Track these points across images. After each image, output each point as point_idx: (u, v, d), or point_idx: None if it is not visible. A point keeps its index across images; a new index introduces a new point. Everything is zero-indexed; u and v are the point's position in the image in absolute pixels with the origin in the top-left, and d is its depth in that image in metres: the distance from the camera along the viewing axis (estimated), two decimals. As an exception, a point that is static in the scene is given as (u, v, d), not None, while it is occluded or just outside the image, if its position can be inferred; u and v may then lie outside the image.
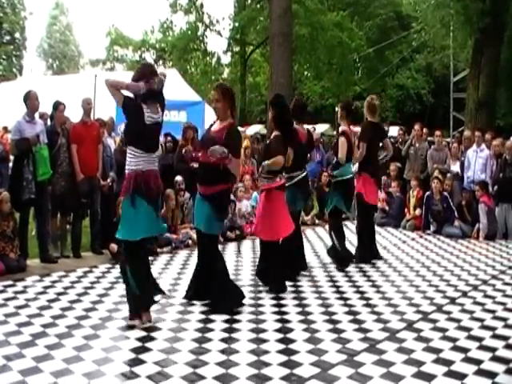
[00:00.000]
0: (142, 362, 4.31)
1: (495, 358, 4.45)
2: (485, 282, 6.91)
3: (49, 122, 8.74)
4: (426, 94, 32.30)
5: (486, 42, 16.29)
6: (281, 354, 4.46)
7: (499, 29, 16.46)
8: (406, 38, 29.57)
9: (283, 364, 4.27)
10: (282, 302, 5.92)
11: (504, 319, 5.44)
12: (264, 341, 4.74)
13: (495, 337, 4.95)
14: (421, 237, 10.20)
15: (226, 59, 32.52)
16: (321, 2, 26.14)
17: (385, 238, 9.94)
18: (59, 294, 6.21)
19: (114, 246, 8.02)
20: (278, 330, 5.02)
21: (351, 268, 7.50)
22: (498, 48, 16.60)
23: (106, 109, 12.69)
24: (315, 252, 8.67)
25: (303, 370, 4.16)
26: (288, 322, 5.26)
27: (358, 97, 29.61)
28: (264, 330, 5.00)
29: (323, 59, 25.75)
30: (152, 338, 4.83)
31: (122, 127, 9.81)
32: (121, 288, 6.46)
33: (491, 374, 4.14)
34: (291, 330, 5.05)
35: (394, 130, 17.54)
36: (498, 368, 4.25)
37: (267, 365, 4.24)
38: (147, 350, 4.56)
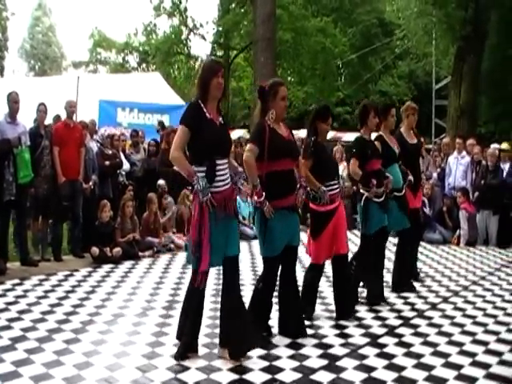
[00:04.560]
0: (122, 366, 4.28)
1: (475, 363, 4.49)
2: (465, 288, 6.97)
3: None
4: (408, 100, 32.48)
5: (468, 50, 16.47)
6: (262, 360, 4.45)
7: (481, 37, 16.66)
8: (389, 45, 29.78)
9: (263, 369, 4.27)
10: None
11: (484, 325, 5.49)
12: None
13: (475, 342, 4.99)
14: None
15: (210, 63, 32.50)
16: (305, 7, 26.23)
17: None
18: (40, 297, 6.16)
19: (95, 250, 7.99)
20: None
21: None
22: (479, 56, 16.78)
23: (89, 111, 12.67)
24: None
25: (285, 376, 4.16)
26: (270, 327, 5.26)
27: (340, 103, 29.79)
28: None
29: (307, 64, 25.82)
30: (132, 343, 4.81)
31: (103, 130, 9.78)
32: (102, 292, 6.43)
33: (471, 379, 4.17)
34: (272, 336, 5.04)
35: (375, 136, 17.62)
36: (478, 373, 4.28)
37: (249, 370, 4.23)
38: (127, 354, 4.54)
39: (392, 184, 6.18)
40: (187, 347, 4.46)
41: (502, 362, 4.52)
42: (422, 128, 26.61)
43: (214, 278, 7.16)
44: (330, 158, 5.65)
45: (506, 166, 10.39)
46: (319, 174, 5.36)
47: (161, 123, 12.98)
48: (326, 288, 6.75)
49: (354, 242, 9.24)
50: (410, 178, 6.68)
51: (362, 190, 6.06)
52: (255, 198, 4.71)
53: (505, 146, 11.58)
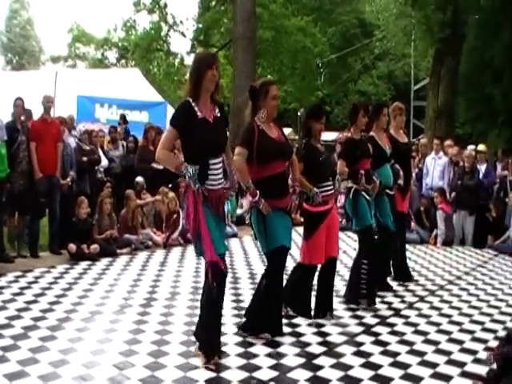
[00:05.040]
0: (98, 364, 4.26)
1: (451, 362, 4.54)
2: (441, 287, 7.04)
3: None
4: (387, 100, 32.74)
5: (446, 52, 16.63)
6: (239, 358, 4.45)
7: (459, 40, 16.83)
8: (369, 46, 29.95)
9: (241, 367, 4.27)
10: (241, 302, 5.93)
11: (459, 323, 5.55)
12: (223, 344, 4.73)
13: (451, 341, 5.05)
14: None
15: (189, 60, 32.38)
16: (285, 6, 26.24)
17: (345, 242, 10.02)
18: (15, 294, 6.09)
19: (72, 247, 7.92)
20: (237, 334, 5.01)
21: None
22: (457, 58, 16.95)
23: (67, 107, 12.56)
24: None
25: (262, 374, 4.17)
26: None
27: (320, 102, 29.87)
28: (223, 334, 4.98)
29: (286, 63, 25.84)
30: (109, 340, 4.78)
31: (82, 126, 9.70)
32: (79, 289, 6.39)
33: (446, 377, 4.22)
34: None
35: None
36: (453, 371, 4.34)
37: (226, 368, 4.23)
38: (104, 352, 4.51)
39: (382, 184, 6.23)
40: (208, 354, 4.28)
41: (477, 361, 4.58)
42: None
43: (192, 276, 7.17)
44: (323, 159, 5.52)
45: (482, 168, 10.50)
46: (311, 176, 5.33)
47: (122, 116, 12.86)
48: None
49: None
50: (400, 182, 6.72)
51: (350, 184, 5.99)
52: (250, 198, 4.68)
53: (481, 147, 11.70)
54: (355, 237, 10.23)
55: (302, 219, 9.49)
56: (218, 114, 4.30)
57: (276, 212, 4.72)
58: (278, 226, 4.73)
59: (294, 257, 7.46)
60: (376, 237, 6.27)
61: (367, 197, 5.99)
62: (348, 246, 9.68)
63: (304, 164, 5.32)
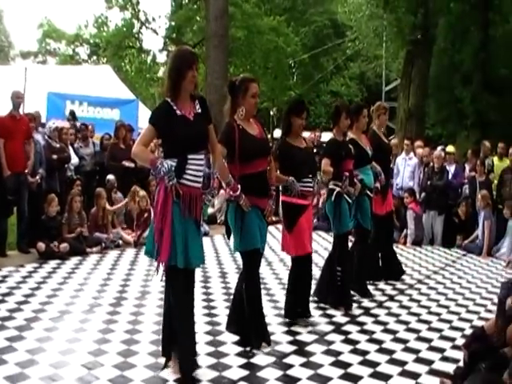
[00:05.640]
0: (67, 364, 4.21)
1: (419, 360, 4.60)
2: (411, 286, 7.12)
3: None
4: (358, 101, 32.98)
5: (417, 54, 16.80)
6: (209, 357, 4.44)
7: (429, 42, 17.02)
8: (341, 46, 30.12)
9: (211, 367, 4.27)
10: (212, 301, 5.92)
11: (428, 322, 5.63)
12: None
13: (419, 339, 5.11)
14: (350, 241, 10.37)
15: (161, 58, 32.20)
16: (258, 6, 26.30)
17: (316, 241, 10.07)
18: (-18, 293, 6.00)
19: (41, 245, 7.82)
20: (207, 333, 5.01)
21: (278, 267, 7.57)
22: (427, 60, 17.14)
23: (37, 103, 12.38)
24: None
25: (232, 373, 4.18)
26: (218, 324, 5.26)
27: (292, 101, 29.96)
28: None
29: (259, 63, 25.90)
30: (78, 340, 4.73)
31: (52, 123, 9.55)
32: (48, 288, 6.31)
33: (415, 375, 4.28)
34: (220, 332, 5.04)
35: (326, 136, 17.81)
36: (421, 369, 4.40)
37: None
38: (73, 351, 4.46)
39: (364, 185, 6.23)
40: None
41: (444, 359, 4.65)
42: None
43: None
44: (303, 155, 5.36)
45: (451, 168, 10.66)
46: (288, 174, 5.22)
47: (72, 113, 12.72)
48: (275, 285, 6.80)
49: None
50: (377, 185, 6.69)
51: (331, 186, 5.92)
52: (230, 192, 4.54)
53: (450, 148, 11.87)
54: (326, 236, 10.34)
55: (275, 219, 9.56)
56: (199, 111, 4.18)
57: (255, 211, 4.63)
58: (255, 226, 4.63)
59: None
60: (354, 238, 6.27)
61: (349, 199, 5.95)
62: (320, 245, 9.72)
63: (279, 163, 5.26)
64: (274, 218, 10.59)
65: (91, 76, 17.16)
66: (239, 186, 4.51)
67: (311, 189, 5.38)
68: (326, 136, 17.55)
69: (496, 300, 6.39)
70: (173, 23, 27.75)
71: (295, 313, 5.46)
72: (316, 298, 6.13)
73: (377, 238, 7.20)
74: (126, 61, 31.12)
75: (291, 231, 5.30)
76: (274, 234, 10.32)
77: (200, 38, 24.42)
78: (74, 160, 9.77)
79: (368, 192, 6.46)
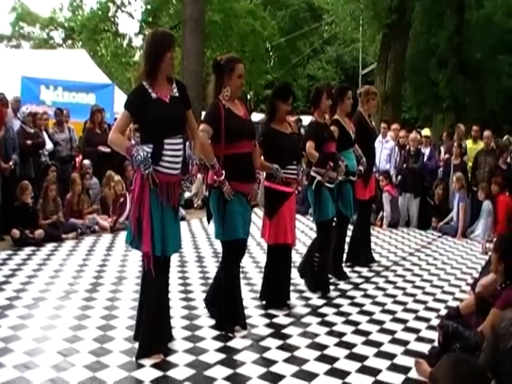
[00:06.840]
0: (42, 351, 4.18)
1: (394, 340, 4.65)
2: (387, 268, 7.18)
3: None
4: (335, 85, 33.00)
5: (393, 38, 16.83)
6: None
7: (405, 26, 17.05)
8: (318, 30, 30.10)
9: (188, 351, 4.27)
10: (189, 285, 5.91)
11: (403, 303, 5.69)
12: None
13: (395, 320, 5.16)
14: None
15: (137, 42, 31.85)
16: (234, -12, 26.11)
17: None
18: (-45, 281, 5.92)
19: (16, 232, 7.73)
20: (184, 317, 5.01)
21: (255, 250, 7.58)
22: (404, 44, 17.19)
23: (10, 88, 12.15)
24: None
25: (208, 357, 4.18)
26: (194, 308, 5.26)
27: (269, 85, 29.90)
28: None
29: (236, 46, 25.75)
30: (54, 326, 4.70)
31: (25, 108, 9.41)
32: (22, 275, 6.25)
33: (390, 356, 4.32)
34: (197, 316, 5.04)
35: (305, 120, 17.83)
36: (397, 349, 4.44)
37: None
38: (48, 338, 4.43)
39: (347, 169, 6.14)
40: (147, 349, 4.09)
41: (420, 339, 4.71)
42: (349, 112, 27.21)
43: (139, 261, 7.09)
44: (288, 141, 5.28)
45: (426, 151, 10.74)
46: (273, 161, 5.16)
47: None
48: (252, 269, 6.81)
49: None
50: (361, 168, 6.61)
51: (313, 173, 5.84)
52: (214, 177, 4.47)
53: (426, 131, 11.95)
54: (306, 221, 10.37)
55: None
56: (177, 94, 4.12)
57: (238, 198, 4.55)
58: (237, 216, 4.55)
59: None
60: (333, 224, 6.25)
61: (330, 186, 5.88)
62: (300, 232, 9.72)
63: (263, 149, 5.19)
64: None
65: (66, 60, 16.86)
66: (223, 172, 4.44)
67: (295, 176, 5.34)
68: (306, 120, 17.59)
69: (470, 280, 6.51)
70: (149, 6, 27.42)
71: (272, 297, 5.44)
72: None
73: (361, 222, 7.24)
74: (101, 45, 30.69)
75: (272, 218, 5.27)
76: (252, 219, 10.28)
77: (176, 22, 24.19)
78: (49, 146, 9.64)
79: (351, 176, 6.40)
